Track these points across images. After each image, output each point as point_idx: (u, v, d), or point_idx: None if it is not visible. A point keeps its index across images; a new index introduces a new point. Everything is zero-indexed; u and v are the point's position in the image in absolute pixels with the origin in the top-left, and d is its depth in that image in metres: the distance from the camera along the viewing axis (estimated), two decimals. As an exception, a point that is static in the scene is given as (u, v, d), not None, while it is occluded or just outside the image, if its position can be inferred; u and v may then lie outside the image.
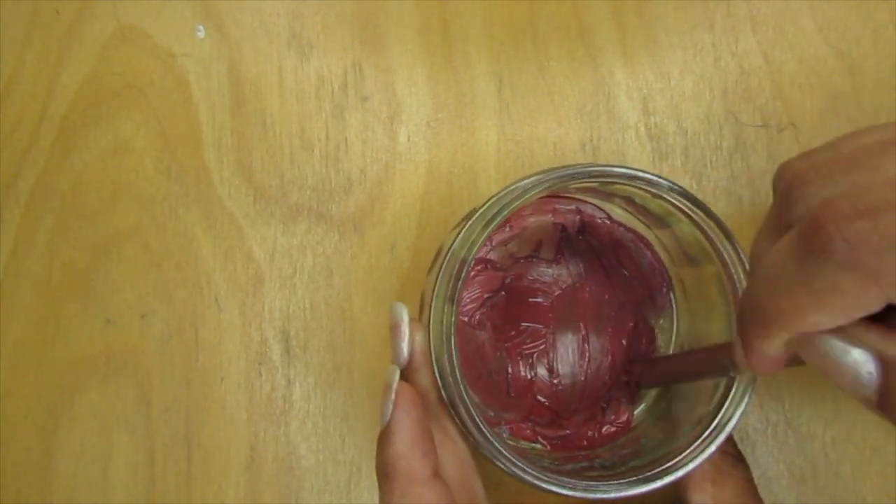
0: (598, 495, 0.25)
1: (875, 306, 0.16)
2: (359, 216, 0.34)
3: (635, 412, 0.30)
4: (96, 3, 0.36)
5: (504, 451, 0.24)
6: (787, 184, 0.19)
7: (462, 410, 0.24)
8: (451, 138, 0.35)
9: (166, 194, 0.34)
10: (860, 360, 0.17)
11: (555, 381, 0.30)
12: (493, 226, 0.25)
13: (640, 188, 0.26)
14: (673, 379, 0.29)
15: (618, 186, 0.27)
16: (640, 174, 0.26)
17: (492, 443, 0.24)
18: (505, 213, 0.25)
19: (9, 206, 0.34)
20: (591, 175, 0.26)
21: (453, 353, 0.24)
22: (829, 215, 0.16)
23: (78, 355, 0.33)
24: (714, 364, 0.25)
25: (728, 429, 0.25)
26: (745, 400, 0.25)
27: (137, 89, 0.35)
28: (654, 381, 0.30)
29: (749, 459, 0.28)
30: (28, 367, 0.33)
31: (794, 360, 0.21)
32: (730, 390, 0.25)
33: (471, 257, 0.25)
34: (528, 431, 0.30)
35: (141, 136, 0.35)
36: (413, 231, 0.34)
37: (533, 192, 0.25)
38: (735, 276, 0.26)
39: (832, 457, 0.31)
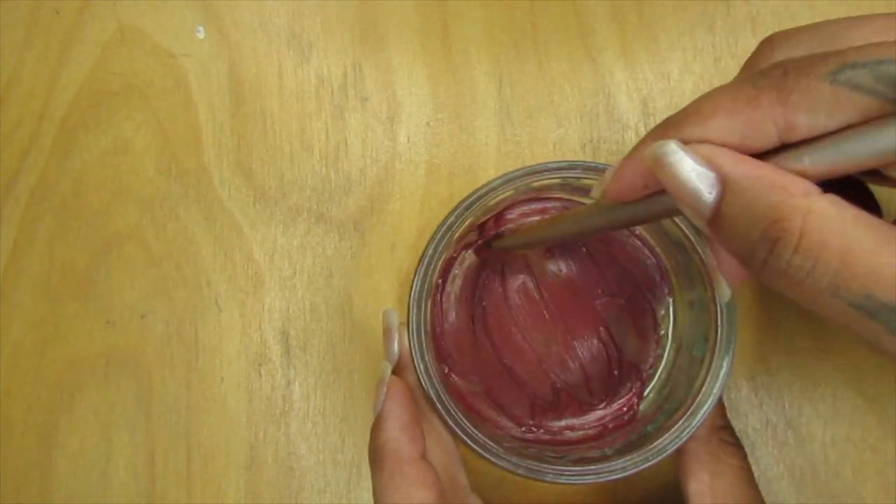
0: (578, 480, 0.26)
1: (768, 134, 0.18)
2: (359, 217, 0.34)
3: (641, 403, 0.30)
4: (96, 3, 0.36)
5: (488, 444, 0.26)
6: (759, 47, 0.21)
7: (440, 407, 0.26)
8: (451, 138, 0.34)
9: (166, 194, 0.34)
10: (704, 175, 0.19)
11: (556, 377, 0.31)
12: (454, 230, 0.27)
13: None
14: (539, 240, 0.29)
15: (585, 181, 0.28)
16: (600, 166, 0.27)
17: (472, 436, 0.26)
18: (463, 219, 0.27)
19: (9, 206, 0.34)
20: (549, 170, 0.27)
21: (425, 351, 0.26)
22: (790, 65, 0.18)
23: (78, 355, 0.33)
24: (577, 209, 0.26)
25: (707, 405, 0.26)
26: (724, 371, 0.26)
27: (137, 89, 0.35)
28: (518, 243, 0.30)
29: (749, 460, 0.28)
30: (28, 367, 0.33)
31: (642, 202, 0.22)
32: (710, 367, 0.27)
33: (433, 263, 0.27)
34: (534, 424, 0.30)
35: (141, 137, 0.35)
36: (413, 231, 0.34)
37: (493, 195, 0.27)
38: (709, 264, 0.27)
39: (832, 457, 0.31)
